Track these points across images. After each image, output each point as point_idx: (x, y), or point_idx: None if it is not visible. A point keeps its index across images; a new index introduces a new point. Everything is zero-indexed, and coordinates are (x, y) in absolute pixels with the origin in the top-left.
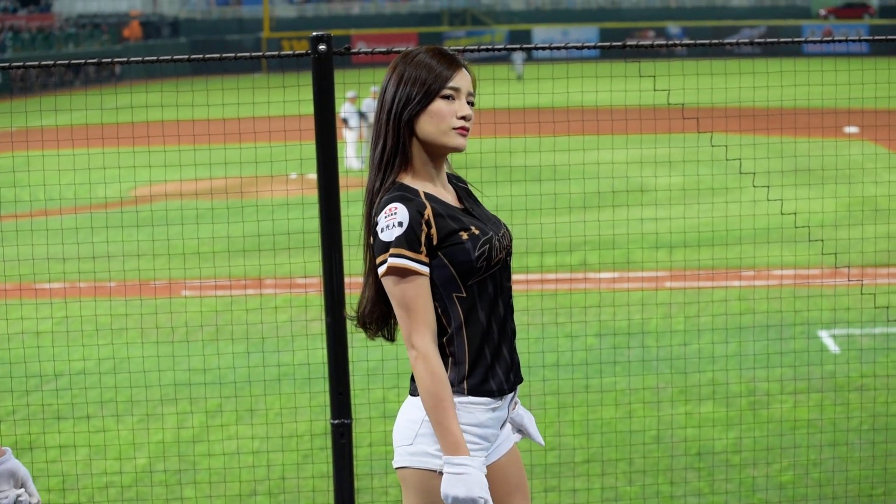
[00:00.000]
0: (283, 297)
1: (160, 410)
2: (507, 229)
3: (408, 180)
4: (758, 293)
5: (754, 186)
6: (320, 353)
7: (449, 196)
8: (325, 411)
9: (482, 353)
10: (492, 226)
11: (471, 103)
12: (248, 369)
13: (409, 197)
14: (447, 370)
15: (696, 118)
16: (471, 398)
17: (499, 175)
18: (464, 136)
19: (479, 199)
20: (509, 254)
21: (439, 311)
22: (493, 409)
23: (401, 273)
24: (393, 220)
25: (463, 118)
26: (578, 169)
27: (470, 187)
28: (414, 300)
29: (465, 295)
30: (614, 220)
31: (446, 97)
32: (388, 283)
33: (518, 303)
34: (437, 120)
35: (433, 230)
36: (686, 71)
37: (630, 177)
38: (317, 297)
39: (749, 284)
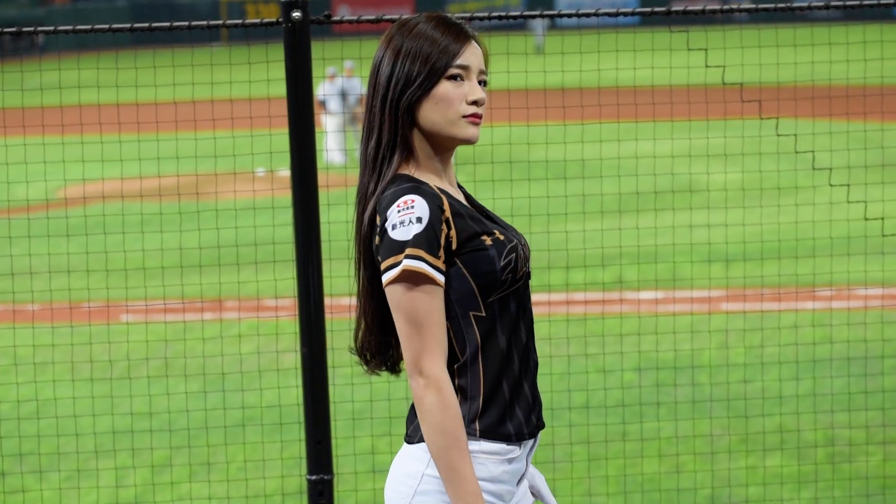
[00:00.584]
0: (248, 323)
1: (94, 465)
2: (527, 244)
3: (413, 172)
4: (837, 318)
5: (831, 185)
6: (294, 392)
7: (456, 194)
8: (300, 465)
9: (499, 388)
10: (513, 232)
11: (483, 83)
12: (204, 413)
13: (424, 189)
14: None
15: (759, 100)
16: (483, 444)
17: (515, 172)
18: (476, 124)
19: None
20: (530, 268)
21: (452, 333)
22: (510, 460)
23: (415, 280)
24: (410, 214)
25: (475, 103)
26: (612, 164)
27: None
28: (428, 315)
29: (484, 314)
30: (657, 228)
31: (453, 77)
32: (396, 293)
33: (538, 329)
34: (444, 106)
35: (453, 232)
36: (746, 42)
37: (676, 173)
38: (290, 323)
39: (826, 307)
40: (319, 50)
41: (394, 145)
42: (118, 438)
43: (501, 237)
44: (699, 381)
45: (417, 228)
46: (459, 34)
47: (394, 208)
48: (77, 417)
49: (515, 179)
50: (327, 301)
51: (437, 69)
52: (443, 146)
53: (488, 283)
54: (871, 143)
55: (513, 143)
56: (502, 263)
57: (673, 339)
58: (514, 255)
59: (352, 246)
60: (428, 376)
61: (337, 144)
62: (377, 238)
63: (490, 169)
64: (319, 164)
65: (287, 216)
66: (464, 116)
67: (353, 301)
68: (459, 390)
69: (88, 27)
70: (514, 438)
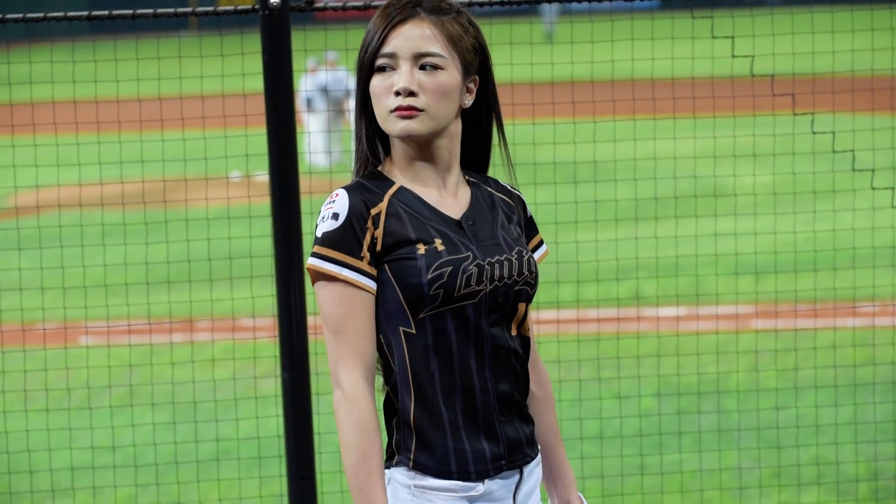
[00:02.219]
0: (222, 346)
1: None
2: (523, 260)
3: (386, 170)
4: (881, 336)
5: (874, 189)
6: (274, 422)
7: (448, 199)
8: (281, 502)
9: (436, 416)
10: (483, 247)
11: (427, 66)
12: (174, 446)
13: (365, 186)
14: (392, 429)
15: (792, 94)
16: (428, 479)
17: (519, 175)
18: (406, 118)
19: (517, 219)
20: (509, 292)
21: (384, 345)
22: (471, 499)
23: (327, 280)
24: (329, 210)
25: (398, 93)
26: (628, 165)
27: (517, 202)
28: (344, 321)
29: (413, 332)
30: (678, 237)
31: (381, 69)
32: (317, 294)
33: (546, 351)
34: (376, 103)
35: (379, 231)
36: (778, 28)
37: (700, 176)
38: (269, 346)
39: (868, 324)
40: (300, 40)
41: (365, 139)
42: (77, 475)
43: (441, 248)
44: (726, 408)
45: (331, 225)
46: (388, 18)
47: (324, 203)
48: (31, 452)
49: (520, 184)
50: (310, 321)
51: (364, 65)
52: (404, 143)
53: (415, 297)
54: None
55: (517, 142)
56: (429, 277)
57: (696, 361)
58: (448, 269)
59: None
60: (342, 387)
61: (321, 145)
62: None
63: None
64: (301, 168)
65: (265, 226)
66: (391, 111)
67: None
68: (398, 411)
69: (41, 15)
70: (458, 476)
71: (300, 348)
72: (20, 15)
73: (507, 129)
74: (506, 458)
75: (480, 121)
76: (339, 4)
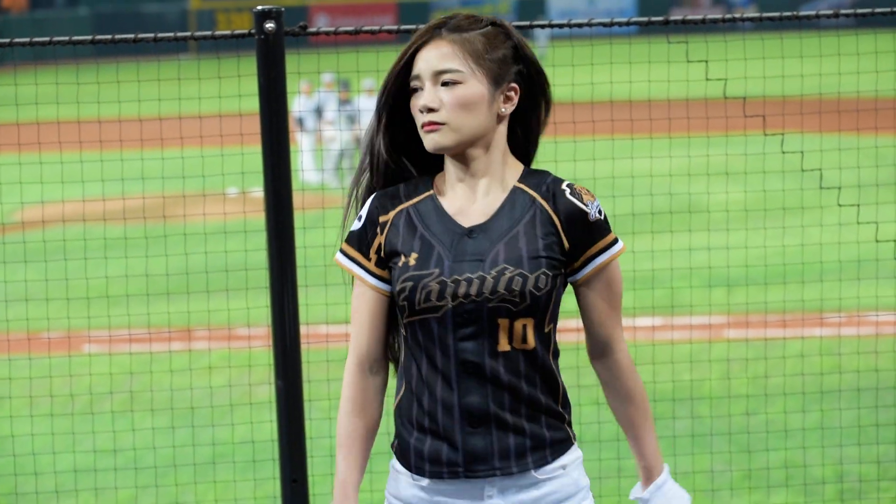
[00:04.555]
0: (219, 354)
1: None
2: (502, 278)
3: (437, 178)
4: (846, 346)
5: (840, 205)
6: (268, 427)
7: (472, 206)
8: (275, 503)
9: (411, 410)
10: (462, 262)
11: (448, 82)
12: (172, 450)
13: (392, 193)
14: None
15: (763, 115)
16: (394, 460)
17: None
18: (432, 131)
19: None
20: (480, 309)
21: (396, 338)
22: (423, 489)
23: (350, 274)
24: (361, 211)
25: (423, 110)
26: (607, 183)
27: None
28: (354, 312)
29: (405, 333)
30: (654, 251)
31: (415, 90)
32: None
33: None
34: (416, 121)
35: (383, 238)
36: (749, 52)
37: (675, 193)
38: (264, 354)
39: (834, 334)
40: (294, 63)
41: (388, 156)
42: (80, 477)
43: (412, 263)
44: (699, 414)
45: (355, 225)
46: (410, 46)
47: None
48: (36, 455)
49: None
50: (303, 330)
51: (386, 84)
52: (441, 154)
53: (398, 304)
54: (882, 160)
55: None
56: (397, 288)
57: (671, 369)
58: (410, 284)
59: (329, 271)
60: (345, 369)
61: (313, 164)
62: None
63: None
64: (295, 185)
65: (260, 240)
66: (422, 128)
67: (331, 330)
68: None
69: (47, 39)
70: (414, 470)
71: (293, 357)
72: (27, 39)
73: None
74: (463, 466)
75: (528, 126)
76: (332, 29)
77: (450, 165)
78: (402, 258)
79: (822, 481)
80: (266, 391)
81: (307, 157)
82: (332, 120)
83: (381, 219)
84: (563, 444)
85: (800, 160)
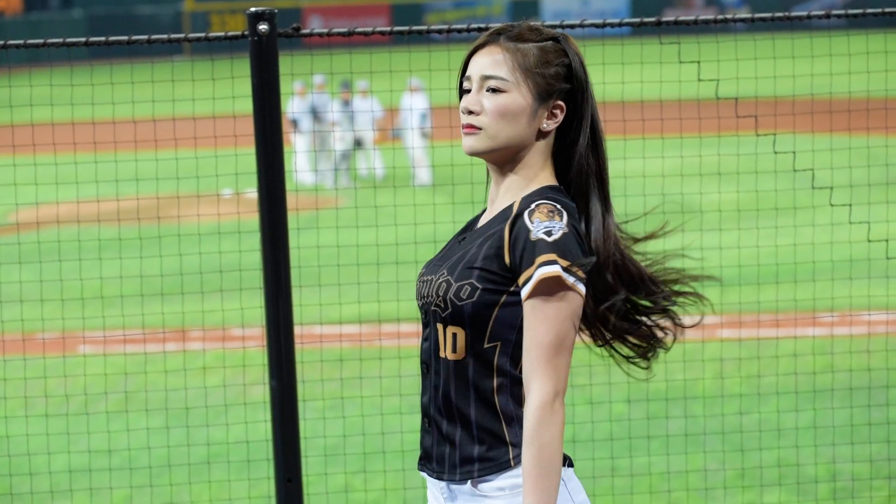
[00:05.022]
0: (213, 355)
1: None
2: (437, 283)
3: None
4: (839, 345)
5: (832, 205)
6: (263, 427)
7: (487, 215)
8: (269, 503)
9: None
10: (435, 266)
11: (493, 89)
12: (167, 450)
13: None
14: None
15: (755, 115)
16: None
17: None
18: (468, 134)
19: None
20: (427, 310)
21: None
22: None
23: None
24: None
25: (466, 111)
26: None
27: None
28: None
29: None
30: (646, 252)
31: (466, 90)
32: None
33: None
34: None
35: None
36: (741, 53)
37: (668, 194)
38: (258, 354)
39: (827, 333)
40: (288, 64)
41: None
42: (75, 478)
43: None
44: (693, 413)
45: None
46: (474, 45)
47: None
48: (31, 456)
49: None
50: (297, 330)
51: (458, 86)
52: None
53: None
54: (874, 160)
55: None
56: None
57: (665, 369)
58: (417, 282)
59: (322, 272)
60: None
61: (308, 165)
62: None
63: (470, 190)
64: (289, 186)
65: (254, 241)
66: (462, 128)
67: (325, 330)
68: None
69: (41, 41)
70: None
71: (287, 357)
72: (21, 41)
73: None
74: (421, 458)
75: (570, 146)
76: (325, 31)
77: (494, 171)
78: None
79: (815, 480)
80: (260, 391)
81: (302, 158)
82: (338, 121)
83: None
84: (495, 463)
85: (792, 160)
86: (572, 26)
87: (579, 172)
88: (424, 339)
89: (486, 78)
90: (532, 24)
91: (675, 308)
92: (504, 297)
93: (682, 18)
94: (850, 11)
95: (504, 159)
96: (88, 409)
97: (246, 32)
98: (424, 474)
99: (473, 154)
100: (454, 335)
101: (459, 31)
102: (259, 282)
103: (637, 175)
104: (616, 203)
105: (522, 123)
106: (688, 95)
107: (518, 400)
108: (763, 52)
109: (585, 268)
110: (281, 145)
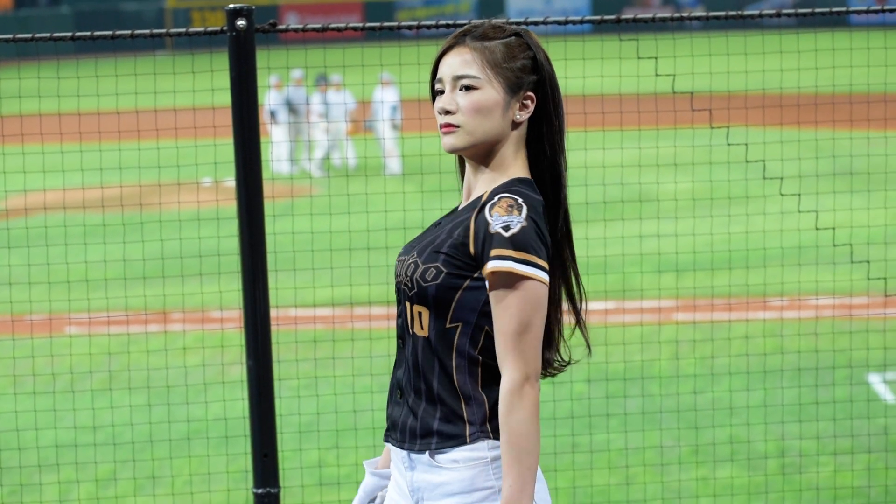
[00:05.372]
0: (193, 335)
1: (37, 479)
2: (407, 263)
3: None
4: (788, 328)
5: (782, 195)
6: (240, 405)
7: (464, 202)
8: (246, 478)
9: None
10: (409, 248)
11: (466, 87)
12: (149, 426)
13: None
14: None
15: (709, 109)
16: None
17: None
18: (447, 133)
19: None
20: (400, 289)
21: None
22: (390, 450)
23: None
24: None
25: (443, 112)
26: None
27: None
28: None
29: None
30: (606, 238)
31: (439, 92)
32: None
33: None
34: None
35: None
36: (697, 50)
37: (626, 183)
38: (236, 335)
39: (777, 317)
40: (264, 58)
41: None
42: (62, 452)
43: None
44: (649, 393)
45: None
46: (441, 48)
47: None
48: (20, 431)
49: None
50: (273, 313)
51: (431, 89)
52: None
53: None
54: (822, 152)
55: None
56: None
57: (623, 350)
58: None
59: (297, 257)
60: None
61: (287, 154)
62: None
63: (438, 179)
64: (265, 175)
65: (232, 227)
66: (440, 128)
67: (300, 312)
68: None
69: (29, 36)
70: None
71: (264, 338)
72: (10, 35)
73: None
74: (387, 429)
75: (540, 134)
76: (300, 27)
77: (467, 165)
78: None
79: (765, 456)
80: (238, 371)
81: (279, 149)
82: (322, 112)
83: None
84: (452, 438)
85: (744, 152)
86: (535, 23)
87: (554, 155)
88: (398, 316)
89: (459, 78)
90: (494, 22)
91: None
92: (467, 282)
93: (640, 16)
94: (800, 11)
95: (482, 153)
96: (74, 388)
97: (225, 28)
98: (389, 444)
99: (454, 151)
100: (419, 314)
101: (429, 27)
102: (237, 266)
103: (598, 165)
104: (577, 192)
105: (497, 117)
106: (646, 90)
107: (476, 380)
108: (717, 49)
109: (543, 258)
110: (258, 136)
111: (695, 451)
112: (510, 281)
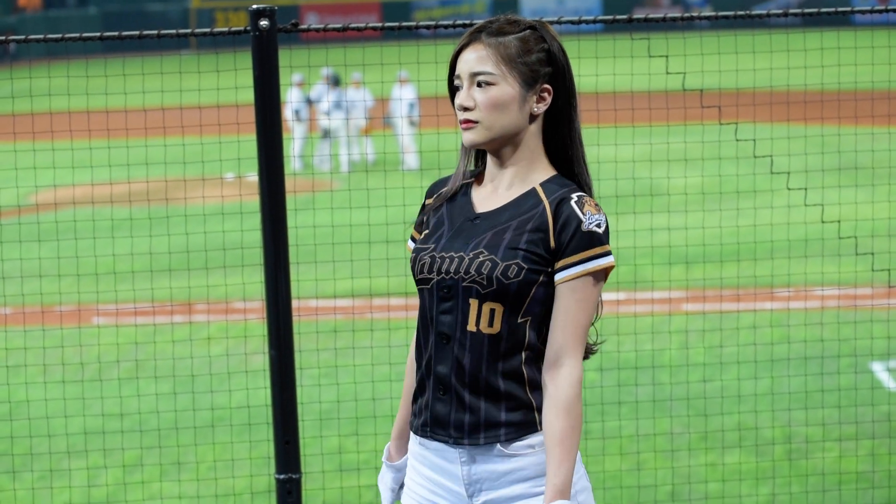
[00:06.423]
0: (217, 326)
1: (66, 465)
2: (476, 261)
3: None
4: (794, 318)
5: (789, 188)
6: (263, 393)
7: (492, 196)
8: (268, 464)
9: (418, 369)
10: (455, 242)
11: (482, 83)
12: (174, 414)
13: (443, 180)
14: None
15: (718, 106)
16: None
17: None
18: (468, 129)
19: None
20: (456, 286)
21: None
22: (418, 444)
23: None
24: None
25: (459, 109)
26: None
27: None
28: None
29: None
30: (618, 231)
31: (457, 88)
32: None
33: None
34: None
35: (424, 217)
36: (706, 48)
37: (638, 178)
38: (259, 326)
39: (784, 307)
40: (287, 56)
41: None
42: (90, 439)
43: (421, 237)
44: (660, 381)
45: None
46: (458, 45)
47: None
48: (49, 419)
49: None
50: (295, 304)
51: (449, 86)
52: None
53: None
54: (827, 147)
55: None
56: (410, 258)
57: (634, 340)
58: (414, 256)
59: (318, 249)
60: None
61: (300, 152)
62: None
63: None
64: (287, 171)
65: (255, 221)
66: (460, 124)
67: (320, 303)
68: None
69: (59, 36)
70: (412, 427)
71: (286, 328)
72: (41, 35)
73: None
74: (430, 426)
75: (559, 125)
76: (321, 26)
77: (488, 158)
78: (418, 233)
79: (772, 442)
80: (260, 360)
81: (297, 146)
82: (348, 109)
83: (427, 202)
84: (522, 426)
85: (752, 147)
86: (550, 22)
87: (572, 142)
88: (445, 313)
89: (475, 74)
90: (510, 17)
91: None
92: (541, 277)
93: (651, 16)
94: (806, 10)
95: (503, 146)
96: (102, 376)
97: (248, 28)
98: (435, 442)
99: (474, 146)
100: (492, 310)
101: (445, 26)
102: (259, 259)
103: (610, 160)
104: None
105: (514, 111)
106: (656, 87)
107: (538, 369)
108: (726, 47)
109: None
110: (280, 132)
111: (704, 438)
112: (600, 276)
